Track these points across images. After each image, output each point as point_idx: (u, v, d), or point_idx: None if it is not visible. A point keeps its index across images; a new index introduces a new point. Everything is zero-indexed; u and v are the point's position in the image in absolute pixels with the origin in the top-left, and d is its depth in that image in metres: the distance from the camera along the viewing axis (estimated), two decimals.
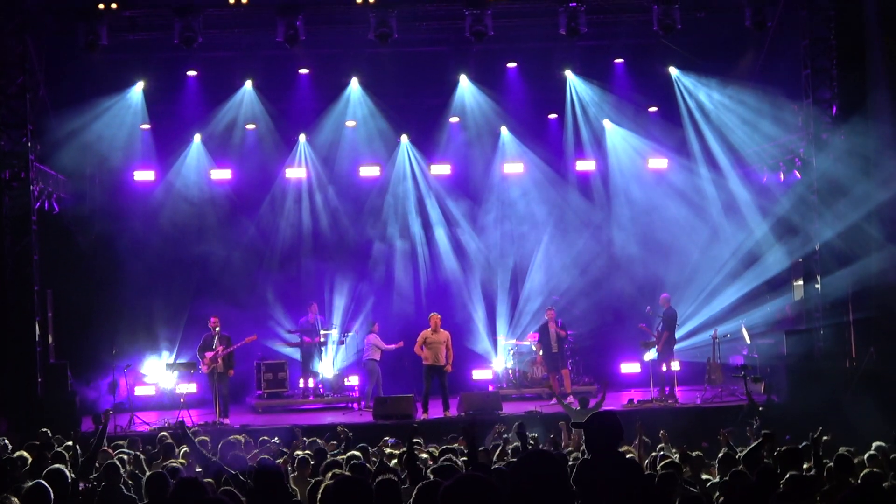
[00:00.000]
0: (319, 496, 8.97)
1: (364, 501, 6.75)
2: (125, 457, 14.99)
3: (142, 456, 14.96)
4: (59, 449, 14.53)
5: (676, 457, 14.04)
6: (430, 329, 23.82)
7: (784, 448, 11.91)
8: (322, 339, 26.09)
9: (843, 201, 23.82)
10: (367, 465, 12.92)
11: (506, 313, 28.78)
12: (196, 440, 16.82)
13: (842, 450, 14.34)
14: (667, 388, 24.60)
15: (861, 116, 23.51)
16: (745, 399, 21.28)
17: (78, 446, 14.45)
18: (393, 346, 25.68)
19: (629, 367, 27.44)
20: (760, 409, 20.30)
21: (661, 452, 14.86)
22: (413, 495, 7.16)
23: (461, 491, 4.97)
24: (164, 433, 18.44)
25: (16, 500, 6.79)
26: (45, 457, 13.64)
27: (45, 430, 17.26)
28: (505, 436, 16.85)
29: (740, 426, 18.98)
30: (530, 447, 14.29)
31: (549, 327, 25.12)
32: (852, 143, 23.67)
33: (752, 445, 12.66)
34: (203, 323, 24.38)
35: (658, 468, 12.12)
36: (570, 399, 22.27)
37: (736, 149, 27.42)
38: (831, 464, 12.26)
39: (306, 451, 15.11)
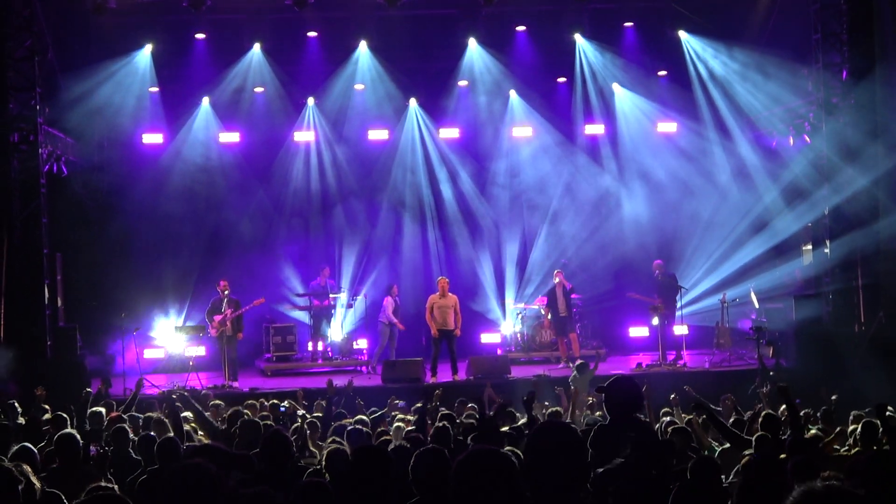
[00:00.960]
0: (327, 462, 9.00)
1: (382, 471, 6.75)
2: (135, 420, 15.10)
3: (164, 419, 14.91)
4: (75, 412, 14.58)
5: (686, 419, 14.11)
6: (437, 294, 23.75)
7: (764, 413, 11.98)
8: (331, 303, 26.09)
9: (852, 166, 23.72)
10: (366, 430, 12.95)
11: (514, 277, 28.78)
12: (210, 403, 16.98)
13: (854, 414, 14.45)
14: (672, 353, 24.63)
15: (871, 81, 23.37)
16: (754, 363, 21.31)
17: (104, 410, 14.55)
18: (396, 321, 25.70)
19: (638, 331, 27.39)
20: (771, 373, 20.34)
21: (668, 418, 14.74)
22: (412, 461, 7.12)
23: (476, 464, 4.84)
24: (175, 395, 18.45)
25: (28, 468, 6.77)
26: (62, 420, 13.72)
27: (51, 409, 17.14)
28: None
29: (755, 393, 18.77)
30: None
31: (557, 290, 25.13)
32: (862, 107, 23.52)
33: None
34: (212, 286, 24.42)
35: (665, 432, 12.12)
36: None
37: (745, 113, 27.34)
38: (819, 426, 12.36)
39: (315, 416, 15.18)
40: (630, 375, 10.35)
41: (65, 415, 13.80)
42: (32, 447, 9.39)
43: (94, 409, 14.64)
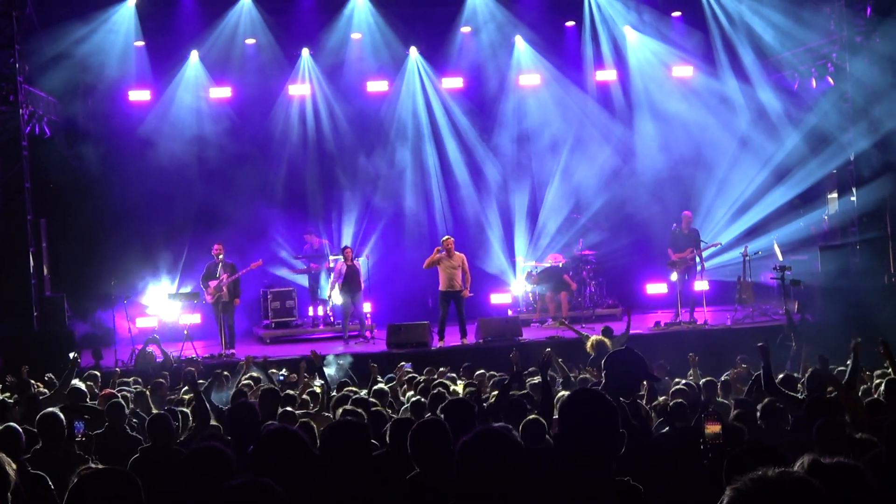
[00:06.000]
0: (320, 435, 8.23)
1: (362, 443, 6.53)
2: (129, 395, 14.32)
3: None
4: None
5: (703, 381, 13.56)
6: (444, 253, 22.65)
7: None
8: (330, 265, 25.17)
9: (877, 108, 23.27)
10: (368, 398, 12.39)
11: (524, 234, 28.06)
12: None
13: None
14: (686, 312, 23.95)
15: None
16: (779, 318, 21.39)
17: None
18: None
19: (655, 288, 26.73)
20: (797, 328, 19.63)
21: (690, 378, 14.61)
22: (388, 431, 7.45)
23: (482, 445, 4.82)
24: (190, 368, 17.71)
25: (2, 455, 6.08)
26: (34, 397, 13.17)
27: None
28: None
29: (782, 347, 18.00)
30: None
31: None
32: (887, 46, 22.96)
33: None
34: (206, 250, 23.60)
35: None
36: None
37: (765, 54, 26.70)
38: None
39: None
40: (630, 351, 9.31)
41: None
42: (17, 427, 8.95)
43: (74, 384, 13.89)
